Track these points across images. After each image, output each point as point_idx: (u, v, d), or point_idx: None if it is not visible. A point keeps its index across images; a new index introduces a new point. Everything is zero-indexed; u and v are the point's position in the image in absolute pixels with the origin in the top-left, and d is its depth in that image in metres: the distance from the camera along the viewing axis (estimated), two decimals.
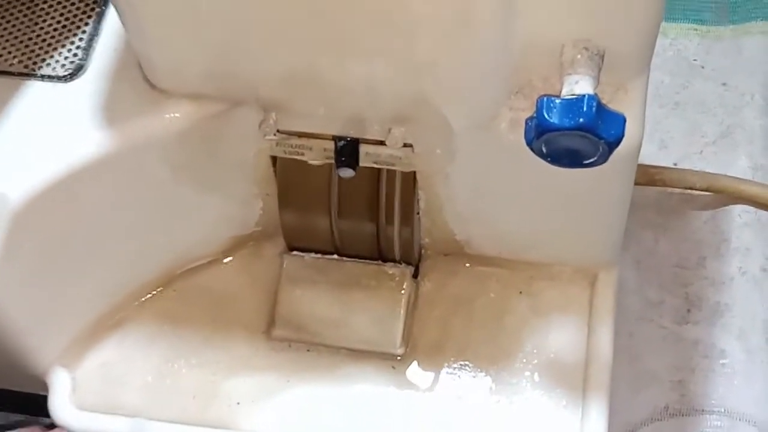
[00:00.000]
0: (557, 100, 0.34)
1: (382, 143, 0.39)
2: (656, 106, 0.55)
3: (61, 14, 0.42)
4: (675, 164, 0.54)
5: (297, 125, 0.39)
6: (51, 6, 0.42)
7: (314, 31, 0.34)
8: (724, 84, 0.56)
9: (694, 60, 0.57)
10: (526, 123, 0.35)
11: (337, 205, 0.42)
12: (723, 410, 0.48)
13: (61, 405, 0.43)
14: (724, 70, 0.56)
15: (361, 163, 0.40)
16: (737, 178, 0.52)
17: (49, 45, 0.41)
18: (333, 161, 0.40)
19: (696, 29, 0.58)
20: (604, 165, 0.35)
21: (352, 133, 0.39)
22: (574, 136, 0.34)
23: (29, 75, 0.40)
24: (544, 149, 0.35)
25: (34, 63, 0.41)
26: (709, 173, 0.52)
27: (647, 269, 0.51)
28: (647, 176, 0.51)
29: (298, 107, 0.38)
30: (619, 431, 0.46)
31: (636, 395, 0.48)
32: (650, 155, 0.53)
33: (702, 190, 0.52)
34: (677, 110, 0.56)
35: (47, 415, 0.44)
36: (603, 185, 0.39)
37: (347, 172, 0.39)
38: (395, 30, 0.33)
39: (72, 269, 0.42)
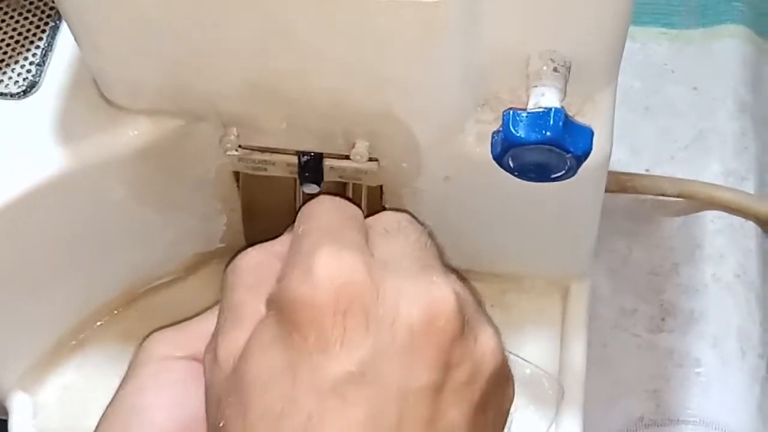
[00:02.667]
0: (523, 114, 0.33)
1: (346, 158, 0.38)
2: (626, 111, 0.54)
3: (14, 29, 0.41)
4: (646, 170, 0.53)
5: (259, 140, 0.38)
6: (3, 21, 0.41)
7: (273, 45, 0.33)
8: (694, 88, 0.56)
9: (664, 64, 0.57)
10: (493, 137, 0.35)
11: None
12: (699, 420, 0.47)
13: (21, 429, 0.42)
14: (695, 74, 0.56)
15: (326, 178, 0.39)
16: (709, 183, 0.52)
17: (1, 61, 0.40)
18: (297, 176, 0.39)
19: (665, 33, 0.57)
20: (573, 178, 0.35)
21: (316, 148, 0.38)
22: (541, 150, 0.33)
23: None
24: (510, 163, 0.34)
25: None
26: (681, 179, 0.52)
27: (620, 277, 0.51)
28: (618, 183, 0.51)
29: (259, 122, 0.37)
30: None
31: (611, 406, 0.48)
32: (621, 161, 0.53)
33: (674, 196, 0.52)
34: (648, 115, 0.55)
35: None
36: (572, 198, 0.39)
37: (312, 188, 0.39)
38: (358, 44, 0.32)
39: (29, 291, 0.41)
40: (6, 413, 0.43)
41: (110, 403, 0.34)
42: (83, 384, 0.43)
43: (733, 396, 0.48)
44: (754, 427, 0.47)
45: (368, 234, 0.33)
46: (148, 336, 0.35)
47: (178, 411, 0.32)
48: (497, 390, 0.31)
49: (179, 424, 0.32)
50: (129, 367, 0.34)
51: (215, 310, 0.34)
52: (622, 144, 0.53)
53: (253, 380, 0.29)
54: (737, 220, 0.51)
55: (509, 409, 0.32)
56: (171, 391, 0.33)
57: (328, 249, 0.30)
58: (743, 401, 0.47)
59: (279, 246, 0.34)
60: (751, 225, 0.52)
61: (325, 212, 0.33)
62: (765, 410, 0.48)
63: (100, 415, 0.42)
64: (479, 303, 0.31)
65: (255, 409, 0.28)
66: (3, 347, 0.42)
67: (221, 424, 0.29)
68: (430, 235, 0.34)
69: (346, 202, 0.34)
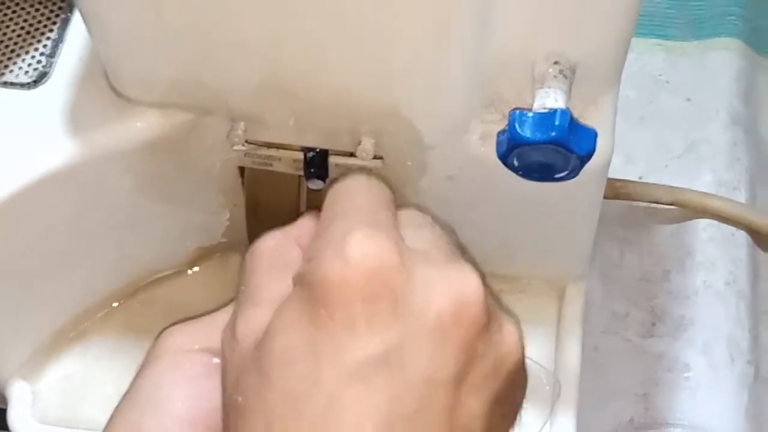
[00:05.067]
0: (529, 114, 0.34)
1: (352, 155, 0.38)
2: (622, 120, 0.54)
3: (25, 20, 0.41)
4: (640, 178, 0.54)
5: (266, 136, 0.39)
6: (15, 12, 0.41)
7: (284, 41, 0.34)
8: (688, 99, 0.56)
9: (659, 75, 0.57)
10: (498, 136, 0.35)
11: None
12: (687, 424, 0.48)
13: (20, 418, 0.42)
14: (689, 86, 0.57)
15: (331, 175, 0.39)
16: (702, 192, 0.53)
17: (12, 51, 0.41)
18: (302, 172, 0.39)
19: (661, 44, 0.58)
20: (575, 179, 0.35)
21: (322, 144, 0.39)
22: (546, 150, 0.34)
23: None
24: (515, 163, 0.35)
25: None
26: (674, 187, 0.53)
27: (612, 282, 0.52)
28: (613, 190, 0.51)
29: (267, 118, 0.38)
30: None
31: (600, 409, 0.48)
32: (615, 169, 0.53)
33: (667, 204, 0.52)
34: (642, 125, 0.56)
35: (6, 428, 0.43)
36: (573, 199, 0.39)
37: (317, 184, 0.39)
38: (368, 42, 0.33)
39: (32, 280, 0.41)
40: (5, 402, 0.43)
41: (125, 394, 0.33)
42: (83, 374, 0.43)
43: (722, 401, 0.48)
44: None
45: (398, 221, 0.33)
46: (165, 329, 0.35)
47: (194, 404, 0.32)
48: (516, 382, 0.31)
49: (196, 416, 0.32)
50: (145, 359, 0.34)
51: (231, 306, 0.35)
52: (616, 152, 0.53)
53: (276, 358, 0.29)
54: (729, 229, 0.52)
55: (522, 403, 0.32)
56: (188, 384, 0.33)
57: (363, 231, 0.30)
58: (731, 407, 0.48)
59: (297, 230, 0.34)
60: (742, 234, 0.52)
61: (359, 191, 0.33)
62: (752, 416, 0.48)
63: (99, 405, 0.43)
64: (493, 294, 0.32)
65: (276, 387, 0.28)
66: (3, 336, 0.42)
67: (239, 400, 0.29)
68: (453, 233, 0.34)
69: (379, 182, 0.34)
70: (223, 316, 0.34)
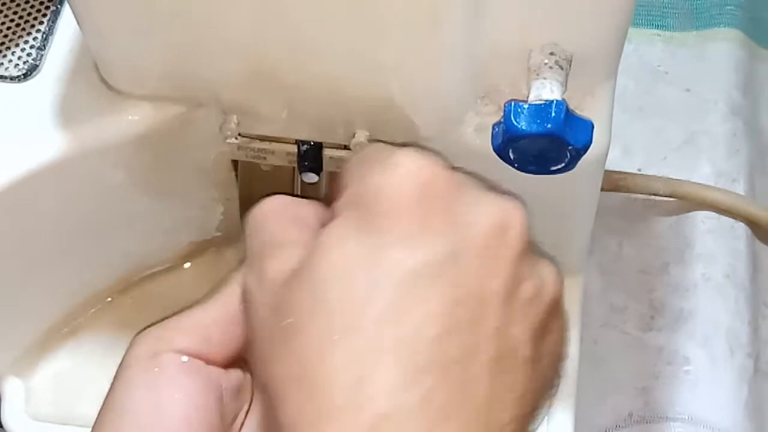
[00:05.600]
0: (525, 106, 0.33)
1: (346, 147, 0.38)
2: (620, 111, 0.54)
3: (15, 12, 0.41)
4: (639, 170, 0.54)
5: (259, 128, 0.38)
6: (4, 4, 0.41)
7: (277, 32, 0.33)
8: (687, 90, 0.56)
9: (658, 66, 0.57)
10: (493, 128, 0.35)
11: None
12: (687, 417, 0.48)
13: (13, 415, 0.42)
14: (688, 76, 0.56)
15: (325, 168, 0.39)
16: (701, 184, 0.52)
17: (2, 44, 0.40)
18: (296, 165, 0.39)
19: (659, 35, 0.58)
20: (571, 171, 0.35)
21: (316, 137, 0.38)
22: (542, 142, 0.33)
23: None
24: (511, 155, 0.34)
25: None
26: (673, 179, 0.52)
27: (611, 275, 0.51)
28: (611, 182, 0.51)
29: (259, 110, 0.37)
30: None
31: (599, 402, 0.48)
32: (614, 161, 0.53)
33: (666, 196, 0.52)
34: (641, 116, 0.56)
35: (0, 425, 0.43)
36: (570, 191, 0.39)
37: (311, 177, 0.39)
38: (361, 32, 0.33)
39: (24, 276, 0.41)
40: None
41: (101, 411, 0.33)
42: (76, 371, 0.43)
43: (721, 394, 0.48)
44: (741, 425, 0.47)
45: None
46: (136, 335, 0.34)
47: (171, 406, 0.32)
48: (555, 320, 0.31)
49: (174, 418, 0.31)
50: (118, 368, 0.34)
51: (201, 304, 0.34)
52: (615, 144, 0.53)
53: (329, 271, 0.29)
54: (728, 221, 0.52)
55: (563, 356, 0.32)
56: (161, 388, 0.32)
57: (409, 150, 0.30)
58: (731, 400, 0.48)
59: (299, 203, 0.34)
60: (741, 226, 0.52)
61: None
62: (752, 409, 0.48)
63: (92, 401, 0.42)
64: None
65: (333, 298, 0.28)
66: None
67: (290, 323, 0.29)
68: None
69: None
70: (192, 316, 0.34)
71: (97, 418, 0.33)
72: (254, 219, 0.33)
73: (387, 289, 0.28)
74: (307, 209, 0.33)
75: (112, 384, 0.33)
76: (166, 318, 0.35)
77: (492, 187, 0.32)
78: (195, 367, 0.33)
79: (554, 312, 0.31)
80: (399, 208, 0.29)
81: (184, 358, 0.33)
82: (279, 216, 0.33)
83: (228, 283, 0.35)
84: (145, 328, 0.35)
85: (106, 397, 0.33)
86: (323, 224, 0.31)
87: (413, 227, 0.29)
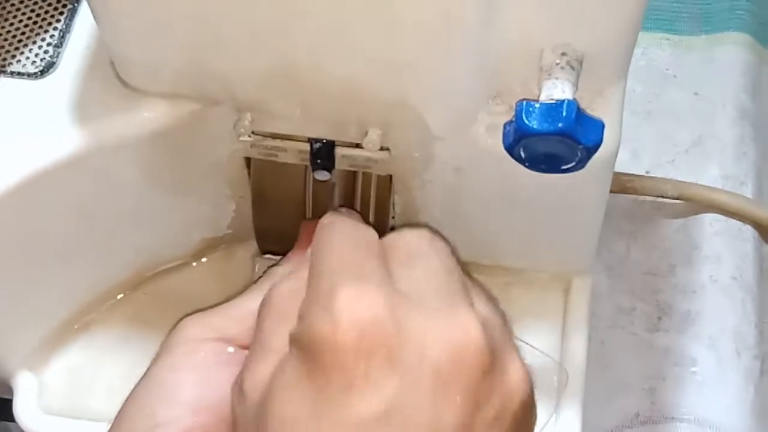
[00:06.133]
0: (536, 105, 0.33)
1: (358, 146, 0.38)
2: (628, 114, 0.54)
3: (32, 10, 0.41)
4: (647, 172, 0.54)
5: (272, 126, 0.39)
6: (21, 1, 0.41)
7: (293, 30, 0.34)
8: (696, 93, 0.56)
9: (667, 69, 0.57)
10: (505, 127, 0.35)
11: (311, 208, 0.42)
12: (693, 418, 0.48)
13: (26, 409, 0.42)
14: (697, 80, 0.56)
15: (337, 166, 0.39)
16: (708, 186, 0.52)
17: (20, 41, 0.40)
18: (308, 163, 0.39)
19: (668, 38, 0.58)
20: (581, 171, 0.35)
21: (328, 135, 0.38)
22: (553, 141, 0.34)
23: None
24: (522, 154, 0.35)
25: (3, 59, 0.40)
26: (681, 181, 0.52)
27: (618, 276, 0.51)
28: (619, 184, 0.51)
29: (274, 108, 0.38)
30: None
31: (606, 403, 0.48)
32: (622, 163, 0.53)
33: (673, 198, 0.52)
34: (649, 119, 0.56)
35: (12, 419, 0.43)
36: (579, 191, 0.39)
37: (323, 175, 0.39)
38: (376, 30, 0.33)
39: (38, 271, 0.41)
40: (11, 393, 0.43)
41: (140, 381, 0.34)
42: (89, 365, 0.43)
43: (728, 396, 0.48)
44: (748, 427, 0.47)
45: (388, 260, 0.32)
46: (181, 319, 0.35)
47: (205, 392, 0.32)
48: (525, 418, 0.30)
49: (206, 405, 0.32)
50: (161, 347, 0.34)
51: (249, 294, 0.35)
52: (623, 146, 0.53)
53: (276, 421, 0.28)
54: (735, 223, 0.52)
55: (533, 428, 0.31)
56: (200, 373, 0.33)
57: (348, 288, 0.29)
58: (738, 401, 0.48)
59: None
60: (748, 229, 0.52)
61: (341, 242, 0.32)
62: (758, 411, 0.48)
63: (105, 396, 0.43)
64: (505, 322, 0.31)
65: None
66: (10, 326, 0.42)
67: None
68: (453, 252, 0.33)
69: (359, 223, 0.34)
70: (239, 304, 0.34)
71: (133, 390, 0.33)
72: (260, 308, 0.33)
73: None
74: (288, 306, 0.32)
75: (154, 360, 0.34)
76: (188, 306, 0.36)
77: (449, 292, 0.30)
78: (239, 358, 0.33)
79: (525, 412, 0.30)
80: (339, 361, 0.28)
81: (231, 349, 0.33)
82: (273, 312, 0.32)
83: (269, 276, 0.35)
84: (192, 313, 0.36)
85: (147, 371, 0.34)
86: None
87: (354, 377, 0.27)
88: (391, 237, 0.33)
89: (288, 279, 0.33)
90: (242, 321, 0.34)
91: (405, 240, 0.33)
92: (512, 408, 0.29)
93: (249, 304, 0.34)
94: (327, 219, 0.34)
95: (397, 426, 0.27)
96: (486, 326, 0.29)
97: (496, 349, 0.29)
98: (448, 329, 0.28)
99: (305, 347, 0.29)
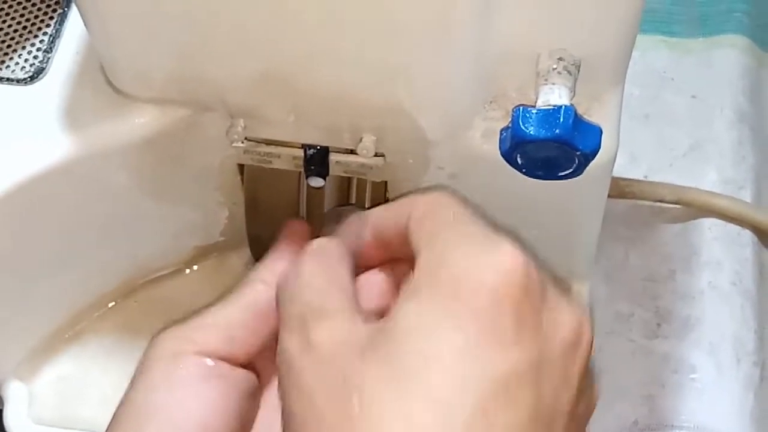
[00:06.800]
0: (533, 111, 0.33)
1: (352, 152, 0.38)
2: (626, 118, 0.54)
3: (22, 15, 0.41)
4: (645, 177, 0.53)
5: (265, 132, 0.38)
6: (11, 7, 0.41)
7: (283, 34, 0.33)
8: (693, 96, 0.56)
9: (664, 72, 0.57)
10: (501, 133, 0.35)
11: (305, 214, 0.41)
12: (692, 425, 0.47)
13: (16, 419, 0.42)
14: (694, 83, 0.56)
15: (332, 172, 0.39)
16: (708, 191, 0.52)
17: (9, 47, 0.40)
18: (302, 170, 0.39)
19: (666, 41, 0.58)
20: (579, 177, 0.35)
21: (322, 142, 0.38)
22: (550, 147, 0.33)
23: None
24: (519, 160, 0.34)
25: None
26: (679, 186, 0.52)
27: (617, 282, 0.51)
28: (617, 189, 0.51)
29: (266, 114, 0.37)
30: None
31: (605, 410, 0.48)
32: (620, 167, 0.53)
33: (672, 203, 0.52)
34: (647, 123, 0.55)
35: (3, 428, 0.42)
36: (577, 197, 0.39)
37: (317, 182, 0.39)
38: (370, 36, 0.33)
39: (28, 279, 0.41)
40: (2, 402, 0.43)
41: (120, 405, 0.33)
42: (79, 375, 0.43)
43: (727, 403, 0.48)
44: None
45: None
46: (156, 334, 0.34)
47: (191, 408, 0.32)
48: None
49: (193, 420, 0.31)
50: (138, 367, 0.33)
51: (225, 302, 0.34)
52: (621, 150, 0.53)
53: (414, 359, 0.28)
54: (734, 228, 0.52)
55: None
56: (182, 389, 0.32)
57: (510, 242, 0.30)
58: (737, 408, 0.48)
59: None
60: (747, 233, 0.52)
61: (448, 207, 0.33)
62: (758, 417, 0.48)
63: (96, 405, 0.42)
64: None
65: (416, 388, 0.27)
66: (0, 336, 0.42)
67: (356, 397, 0.28)
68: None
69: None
70: (215, 313, 0.33)
71: (114, 415, 0.33)
72: (288, 283, 0.33)
73: (476, 391, 0.27)
74: (341, 271, 0.32)
75: (132, 382, 0.33)
76: (182, 315, 0.35)
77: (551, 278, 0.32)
78: (219, 371, 0.32)
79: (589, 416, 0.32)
80: (499, 308, 0.28)
81: (209, 362, 0.33)
82: (316, 279, 0.32)
83: (248, 283, 0.35)
84: (164, 328, 0.35)
85: (126, 394, 0.33)
86: (364, 288, 0.31)
87: (510, 330, 0.28)
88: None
89: (303, 266, 0.33)
90: (220, 331, 0.33)
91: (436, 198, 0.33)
92: (590, 411, 0.32)
93: (226, 312, 0.34)
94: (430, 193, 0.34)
95: (528, 394, 0.28)
96: None
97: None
98: (575, 313, 0.30)
99: (458, 288, 0.29)
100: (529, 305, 0.29)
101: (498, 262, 0.29)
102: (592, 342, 0.31)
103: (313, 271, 0.33)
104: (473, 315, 0.28)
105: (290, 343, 0.31)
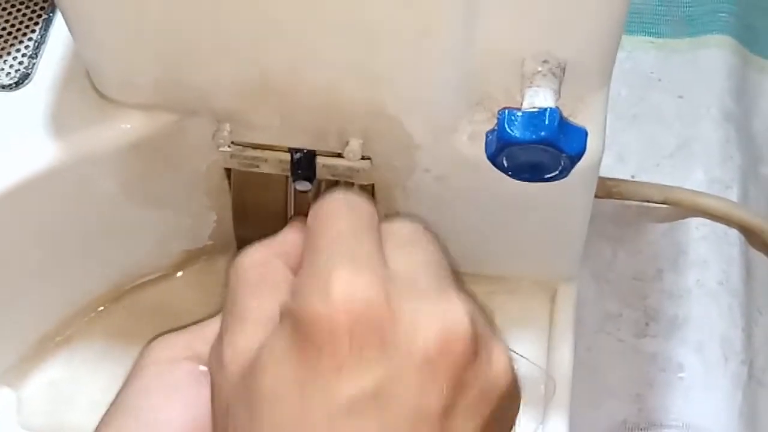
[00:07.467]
0: (519, 113, 0.33)
1: (339, 156, 0.38)
2: (613, 118, 0.54)
3: (6, 20, 0.41)
4: (632, 176, 0.53)
5: (252, 137, 0.38)
6: None
7: (269, 41, 0.33)
8: (680, 96, 0.56)
9: (651, 73, 0.57)
10: (487, 136, 0.35)
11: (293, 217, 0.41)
12: (681, 424, 0.47)
13: (5, 425, 0.42)
14: (681, 83, 0.56)
15: (318, 176, 0.39)
16: (694, 191, 0.52)
17: None
18: (289, 174, 0.39)
19: (652, 42, 0.58)
20: (565, 179, 0.35)
21: (309, 145, 0.38)
22: (536, 150, 0.33)
23: None
24: (505, 163, 0.34)
25: None
26: (666, 186, 0.52)
27: (605, 282, 0.51)
28: (604, 189, 0.51)
29: (253, 118, 0.37)
30: None
31: (594, 409, 0.48)
32: (607, 167, 0.53)
33: (659, 203, 0.52)
34: (634, 123, 0.55)
35: None
36: (564, 199, 0.39)
37: (304, 185, 0.39)
38: (354, 40, 0.33)
39: (16, 285, 0.41)
40: None
41: (111, 406, 0.33)
42: (69, 380, 0.43)
43: (716, 401, 0.48)
44: None
45: (384, 242, 0.32)
46: (150, 340, 0.34)
47: (181, 413, 0.32)
48: (508, 406, 0.31)
49: (182, 425, 0.32)
50: (131, 371, 0.34)
51: (220, 316, 0.34)
52: (608, 150, 0.53)
53: (265, 394, 0.28)
54: (721, 227, 0.52)
55: (516, 418, 0.32)
56: (173, 393, 0.32)
57: (346, 269, 0.29)
58: (725, 406, 0.48)
59: (280, 245, 0.33)
60: (734, 232, 0.52)
61: (340, 217, 0.32)
62: (746, 416, 0.48)
63: (85, 411, 0.42)
64: (486, 317, 0.31)
65: (265, 424, 0.28)
66: None
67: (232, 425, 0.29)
68: (442, 247, 0.33)
69: (361, 200, 0.33)
70: (212, 325, 0.34)
71: (105, 416, 0.33)
72: (230, 277, 0.33)
73: (318, 423, 0.27)
74: (282, 273, 0.32)
75: (124, 385, 0.33)
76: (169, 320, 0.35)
77: (439, 278, 0.31)
78: None
79: (508, 399, 0.30)
80: (331, 340, 0.28)
81: (203, 368, 0.33)
82: (249, 282, 0.32)
83: None
84: (160, 334, 0.35)
85: (116, 397, 0.33)
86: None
87: (345, 357, 0.28)
88: (388, 222, 0.33)
89: (256, 249, 0.33)
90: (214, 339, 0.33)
91: (402, 226, 0.33)
92: (495, 394, 0.30)
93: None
94: (331, 197, 0.33)
95: (383, 408, 0.28)
96: (472, 317, 0.29)
97: (482, 337, 0.29)
98: (439, 317, 0.29)
99: (298, 324, 0.29)
100: (369, 330, 0.28)
101: (331, 295, 0.28)
102: (467, 332, 0.29)
103: (247, 265, 0.33)
104: (311, 348, 0.28)
105: (212, 356, 0.32)
